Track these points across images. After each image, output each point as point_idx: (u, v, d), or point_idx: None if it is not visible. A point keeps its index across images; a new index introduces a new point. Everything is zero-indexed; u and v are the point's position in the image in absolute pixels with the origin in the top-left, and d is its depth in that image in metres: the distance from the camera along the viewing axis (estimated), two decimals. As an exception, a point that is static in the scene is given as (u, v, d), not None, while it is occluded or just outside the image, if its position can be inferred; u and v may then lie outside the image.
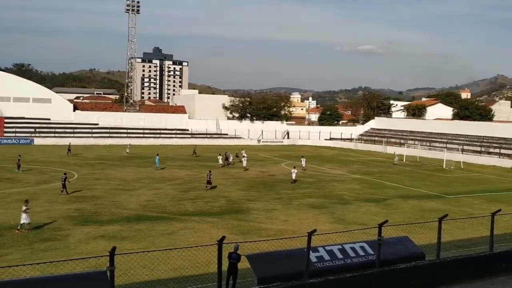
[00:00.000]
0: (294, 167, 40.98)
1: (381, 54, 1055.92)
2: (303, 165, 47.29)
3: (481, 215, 20.11)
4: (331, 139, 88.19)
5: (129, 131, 77.72)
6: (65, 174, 32.00)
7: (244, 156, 50.02)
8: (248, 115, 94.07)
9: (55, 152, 56.67)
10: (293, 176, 39.18)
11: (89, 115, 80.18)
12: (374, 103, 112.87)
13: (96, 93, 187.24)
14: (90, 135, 73.86)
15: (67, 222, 23.57)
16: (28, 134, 70.18)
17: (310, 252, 13.15)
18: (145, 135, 78.11)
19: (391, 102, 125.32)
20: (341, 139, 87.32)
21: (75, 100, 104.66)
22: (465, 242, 19.49)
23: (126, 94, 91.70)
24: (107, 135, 74.94)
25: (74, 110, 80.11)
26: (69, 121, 76.84)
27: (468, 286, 15.32)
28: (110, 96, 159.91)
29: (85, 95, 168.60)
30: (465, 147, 66.59)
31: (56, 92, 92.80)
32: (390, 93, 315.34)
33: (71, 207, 27.06)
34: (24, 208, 21.54)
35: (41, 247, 19.35)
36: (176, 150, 64.64)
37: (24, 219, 21.36)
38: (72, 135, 72.38)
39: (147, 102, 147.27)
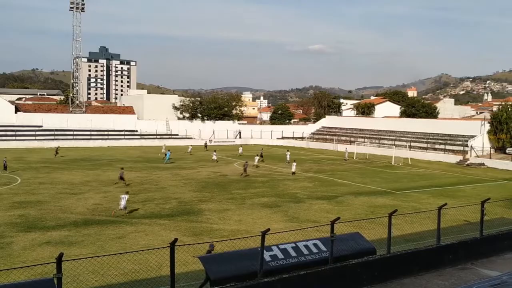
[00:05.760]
0: (294, 161, 46.93)
1: (330, 53, 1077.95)
2: (288, 159, 53.63)
3: (428, 210, 20.80)
4: (283, 138, 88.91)
5: (75, 133, 75.21)
6: (122, 168, 38.28)
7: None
8: (199, 115, 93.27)
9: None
10: (293, 169, 44.77)
11: (32, 117, 76.86)
12: (325, 102, 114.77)
13: (40, 94, 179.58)
14: (33, 137, 70.83)
15: (10, 229, 22.42)
16: (-34, 138, 66.52)
17: (264, 251, 13.10)
18: (92, 137, 75.81)
19: (341, 100, 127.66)
20: (293, 137, 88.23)
21: (16, 102, 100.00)
22: (414, 236, 20.05)
23: (71, 95, 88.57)
24: (52, 137, 72.05)
25: (15, 112, 76.52)
26: (10, 123, 73.32)
27: (418, 278, 15.74)
28: (55, 97, 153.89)
29: (27, 96, 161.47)
30: (413, 144, 68.90)
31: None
32: (340, 92, 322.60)
33: (14, 213, 25.80)
34: (126, 196, 26.03)
35: (-19, 256, 18.29)
36: (125, 152, 63.20)
37: (122, 205, 25.66)
38: (14, 138, 69.28)
39: (94, 103, 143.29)
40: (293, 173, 44.45)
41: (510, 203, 26.82)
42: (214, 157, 54.92)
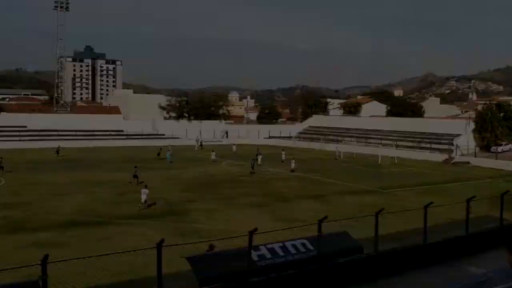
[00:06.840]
0: (293, 159, 48.80)
1: (317, 52, 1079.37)
2: (283, 158, 54.82)
3: (415, 208, 20.89)
4: (270, 137, 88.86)
5: (60, 133, 74.28)
6: (135, 166, 38.10)
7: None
8: (186, 114, 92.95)
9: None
10: (292, 165, 46.32)
11: (16, 117, 75.91)
12: (312, 102, 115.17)
13: (24, 94, 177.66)
14: (18, 138, 69.97)
15: (-6, 231, 22.10)
16: (-51, 139, 65.43)
17: (252, 251, 13.07)
18: (78, 137, 75.03)
19: (328, 100, 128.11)
20: (280, 137, 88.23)
21: (0, 102, 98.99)
22: (401, 235, 20.17)
23: (56, 95, 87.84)
24: (37, 138, 71.23)
25: (-1, 112, 75.73)
26: (-6, 124, 72.53)
27: (405, 276, 15.84)
28: (39, 97, 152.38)
29: (11, 96, 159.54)
30: (399, 143, 69.40)
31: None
32: (327, 92, 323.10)
33: (-3, 214, 25.44)
34: (146, 191, 27.62)
35: (-36, 259, 17.98)
36: (111, 152, 62.71)
37: (143, 199, 27.30)
38: (-2, 138, 68.35)
39: (79, 103, 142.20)
40: (292, 170, 45.68)
41: (494, 201, 27.08)
42: (213, 157, 55.05)
